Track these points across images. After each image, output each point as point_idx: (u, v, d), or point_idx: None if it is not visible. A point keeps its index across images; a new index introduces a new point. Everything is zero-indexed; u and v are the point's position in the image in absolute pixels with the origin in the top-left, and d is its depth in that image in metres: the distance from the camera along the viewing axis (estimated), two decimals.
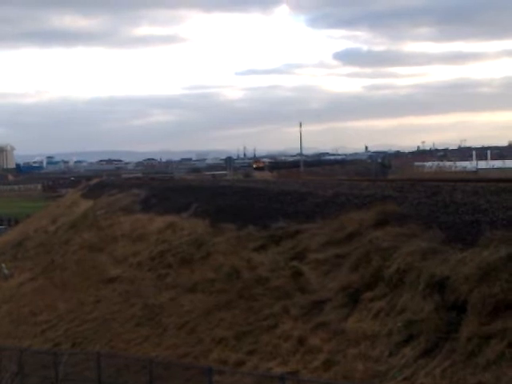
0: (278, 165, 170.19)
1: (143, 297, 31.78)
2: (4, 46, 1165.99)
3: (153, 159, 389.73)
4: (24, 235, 61.21)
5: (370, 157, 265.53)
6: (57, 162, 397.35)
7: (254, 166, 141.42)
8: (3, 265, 50.65)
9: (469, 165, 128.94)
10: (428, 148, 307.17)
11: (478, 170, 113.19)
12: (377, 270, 22.34)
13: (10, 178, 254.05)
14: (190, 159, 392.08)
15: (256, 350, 22.92)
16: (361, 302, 21.83)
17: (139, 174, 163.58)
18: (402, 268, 21.29)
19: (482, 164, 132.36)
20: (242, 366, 22.16)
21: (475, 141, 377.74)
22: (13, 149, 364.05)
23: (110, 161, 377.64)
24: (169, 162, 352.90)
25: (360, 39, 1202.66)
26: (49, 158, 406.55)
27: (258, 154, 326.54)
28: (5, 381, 16.08)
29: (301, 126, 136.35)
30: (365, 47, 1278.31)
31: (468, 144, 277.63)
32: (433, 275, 19.78)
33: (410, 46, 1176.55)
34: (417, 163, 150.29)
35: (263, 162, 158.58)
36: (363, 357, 19.29)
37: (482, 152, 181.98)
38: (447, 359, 17.16)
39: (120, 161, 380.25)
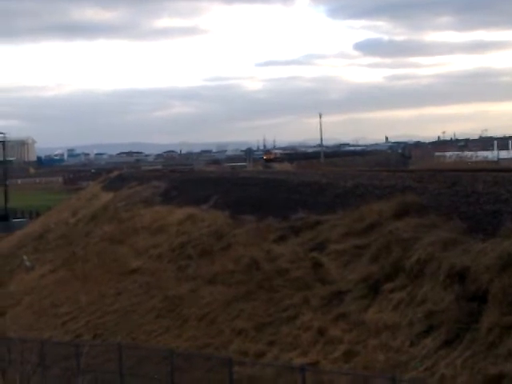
0: (298, 156, 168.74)
1: (163, 288, 31.86)
2: (25, 39, 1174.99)
3: (173, 151, 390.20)
4: (45, 227, 61.51)
5: (391, 147, 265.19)
6: (77, 155, 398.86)
7: (265, 157, 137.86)
8: (25, 257, 50.94)
9: (490, 155, 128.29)
10: (449, 138, 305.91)
11: (499, 160, 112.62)
12: (397, 261, 22.29)
13: (32, 170, 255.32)
14: (210, 151, 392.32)
15: (276, 341, 22.95)
16: (381, 293, 21.79)
17: (159, 166, 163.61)
18: (422, 259, 21.24)
19: (504, 154, 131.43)
20: (262, 357, 22.19)
21: (496, 131, 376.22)
22: (34, 142, 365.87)
23: (130, 153, 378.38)
24: (189, 154, 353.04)
25: (381, 29, 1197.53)
26: (70, 150, 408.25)
27: (277, 145, 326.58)
28: (26, 372, 16.18)
29: (320, 117, 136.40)
30: (385, 37, 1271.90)
31: (489, 134, 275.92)
32: (453, 266, 19.71)
33: (431, 36, 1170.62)
34: (437, 153, 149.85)
35: (274, 154, 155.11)
36: (384, 347, 19.28)
37: (504, 142, 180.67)
38: (468, 350, 17.12)
39: (140, 153, 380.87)
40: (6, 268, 52.30)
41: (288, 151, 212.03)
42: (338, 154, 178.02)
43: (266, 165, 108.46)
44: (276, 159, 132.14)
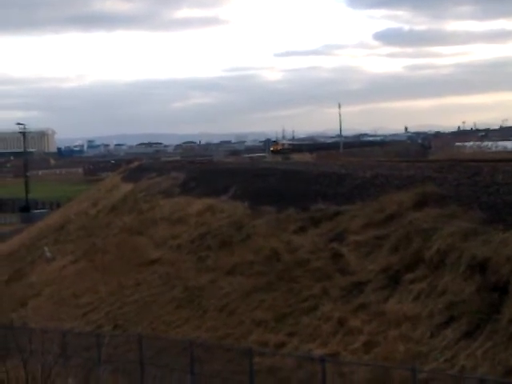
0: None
1: (183, 279, 31.92)
2: (46, 30, 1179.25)
3: (192, 142, 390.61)
4: (66, 219, 61.71)
5: (410, 138, 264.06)
6: (97, 146, 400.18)
7: (272, 148, 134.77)
8: (46, 248, 51.16)
9: (510, 145, 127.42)
10: (469, 128, 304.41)
11: None
12: (417, 252, 22.24)
13: (52, 161, 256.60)
14: (229, 142, 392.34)
15: (296, 332, 22.96)
16: (401, 284, 21.76)
17: (178, 157, 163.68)
18: (442, 249, 21.18)
19: None
20: (282, 348, 22.22)
21: None
22: (54, 133, 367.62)
23: (149, 144, 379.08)
24: (208, 145, 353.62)
25: (401, 19, 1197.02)
26: (89, 141, 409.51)
27: (297, 135, 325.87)
28: (47, 363, 16.31)
29: (340, 107, 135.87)
30: (406, 27, 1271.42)
31: (510, 124, 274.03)
32: (474, 256, 19.65)
33: (452, 25, 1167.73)
34: (457, 144, 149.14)
35: (282, 144, 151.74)
36: (404, 338, 19.25)
37: None
38: (489, 340, 17.07)
39: (159, 144, 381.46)
40: (27, 259, 52.56)
41: (289, 142, 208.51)
42: (358, 145, 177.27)
43: (286, 156, 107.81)
44: (283, 150, 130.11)
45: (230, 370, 20.54)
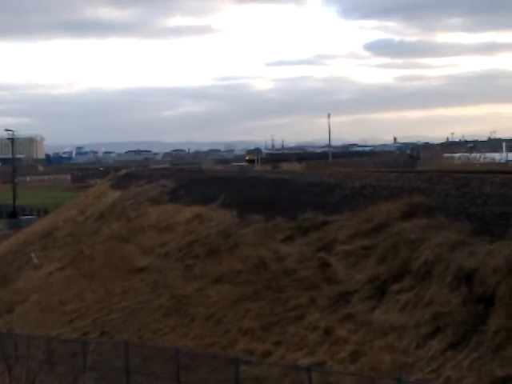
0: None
1: (171, 287, 31.87)
2: (37, 37, 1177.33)
3: (181, 150, 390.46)
4: (53, 225, 61.52)
5: (399, 148, 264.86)
6: (86, 153, 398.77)
7: (247, 158, 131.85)
8: (33, 254, 51.00)
9: (498, 156, 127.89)
10: (457, 139, 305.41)
11: (507, 162, 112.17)
12: (404, 262, 22.29)
13: (40, 168, 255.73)
14: (218, 150, 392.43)
15: (283, 341, 22.96)
16: (388, 294, 21.80)
17: (167, 165, 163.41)
18: (429, 260, 21.24)
19: None
20: (268, 357, 22.21)
21: (505, 132, 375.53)
22: (43, 139, 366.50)
23: (138, 151, 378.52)
24: (197, 153, 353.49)
25: (392, 30, 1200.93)
26: (78, 148, 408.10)
27: (286, 145, 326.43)
28: (32, 369, 16.22)
29: (329, 117, 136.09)
30: (397, 38, 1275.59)
31: (498, 135, 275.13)
32: (461, 267, 19.71)
33: (442, 37, 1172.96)
34: (446, 155, 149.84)
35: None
36: (390, 348, 19.28)
37: None
38: (474, 352, 17.11)
39: (148, 151, 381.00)
40: (14, 265, 52.37)
41: (267, 151, 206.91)
42: (347, 155, 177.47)
43: (275, 165, 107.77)
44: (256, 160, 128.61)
45: (216, 379, 20.54)
